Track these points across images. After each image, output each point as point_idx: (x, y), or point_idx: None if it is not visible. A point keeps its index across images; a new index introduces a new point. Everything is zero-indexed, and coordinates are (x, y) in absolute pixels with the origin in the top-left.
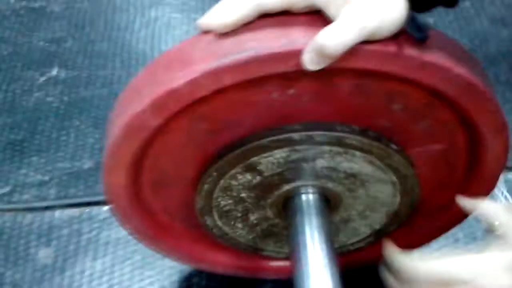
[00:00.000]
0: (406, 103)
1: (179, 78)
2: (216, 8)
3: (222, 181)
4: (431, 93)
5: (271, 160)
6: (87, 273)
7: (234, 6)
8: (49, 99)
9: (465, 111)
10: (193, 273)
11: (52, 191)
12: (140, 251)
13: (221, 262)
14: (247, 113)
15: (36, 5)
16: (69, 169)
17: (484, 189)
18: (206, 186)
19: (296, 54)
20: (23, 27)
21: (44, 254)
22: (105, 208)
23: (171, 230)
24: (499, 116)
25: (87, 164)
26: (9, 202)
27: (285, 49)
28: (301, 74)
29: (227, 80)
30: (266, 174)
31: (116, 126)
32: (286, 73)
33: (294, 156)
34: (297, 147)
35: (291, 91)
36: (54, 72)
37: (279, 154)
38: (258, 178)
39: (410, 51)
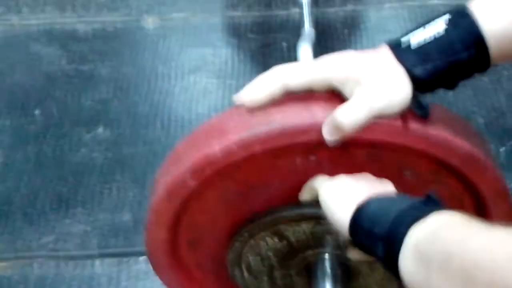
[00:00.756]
0: (415, 170)
1: (215, 145)
2: (248, 86)
3: (252, 241)
4: (436, 162)
5: (297, 229)
6: None
7: (264, 85)
8: (94, 155)
9: (468, 178)
10: None
11: (94, 241)
12: None
13: None
14: (274, 177)
15: (85, 68)
16: (110, 221)
17: None
18: (237, 244)
19: (316, 127)
20: (72, 88)
21: None
22: (142, 259)
23: (203, 283)
24: (500, 184)
25: (127, 216)
26: (53, 250)
27: (307, 122)
28: (321, 143)
29: (257, 148)
30: (292, 239)
31: (160, 186)
32: (308, 142)
33: (318, 228)
34: (322, 221)
35: (313, 158)
36: (100, 130)
37: (305, 225)
38: (284, 242)
39: (415, 126)
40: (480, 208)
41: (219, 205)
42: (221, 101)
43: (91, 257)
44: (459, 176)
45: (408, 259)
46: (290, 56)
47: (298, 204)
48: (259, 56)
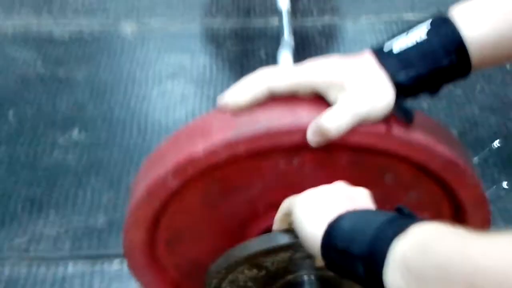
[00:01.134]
0: (396, 175)
1: (198, 145)
2: (232, 88)
3: (230, 276)
4: (417, 167)
5: (276, 259)
6: None
7: (248, 88)
8: (68, 157)
9: (447, 184)
10: None
11: (67, 243)
12: None
13: None
14: (257, 179)
15: (61, 71)
16: (83, 224)
17: None
18: (214, 281)
19: (300, 130)
20: (47, 91)
21: None
22: (116, 261)
23: (180, 285)
24: (478, 191)
25: (101, 220)
26: (26, 251)
27: (292, 124)
28: (304, 147)
29: (241, 149)
30: (271, 269)
31: (139, 187)
32: (291, 145)
33: (298, 255)
34: (300, 248)
35: (295, 161)
36: (75, 133)
37: (283, 254)
38: (263, 272)
39: (398, 131)
40: (458, 214)
41: (200, 206)
42: (198, 107)
43: (63, 258)
44: (439, 181)
45: (395, 275)
46: (269, 64)
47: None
48: (237, 64)
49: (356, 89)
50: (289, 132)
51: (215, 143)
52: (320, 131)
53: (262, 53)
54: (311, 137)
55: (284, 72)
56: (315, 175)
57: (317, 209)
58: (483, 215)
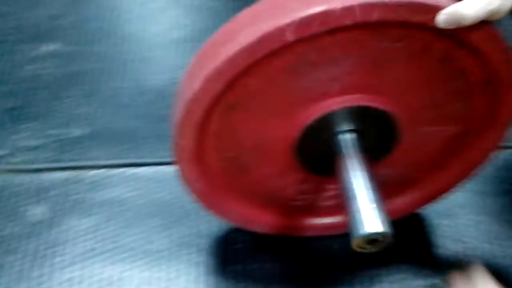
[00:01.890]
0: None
1: (334, 2)
2: None
3: None
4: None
5: None
6: (73, 230)
7: None
8: (45, 70)
9: None
10: (174, 230)
11: (45, 155)
12: (125, 212)
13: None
14: (354, 53)
15: None
16: (61, 136)
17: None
18: None
19: (433, 9)
20: (22, 3)
21: (33, 212)
22: (92, 172)
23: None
24: None
25: (79, 132)
26: (4, 163)
27: (431, 2)
28: (422, 29)
29: (373, 16)
30: None
31: (197, 78)
32: (415, 24)
33: None
34: None
35: (399, 45)
36: (51, 46)
37: None
38: None
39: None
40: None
41: (281, 75)
42: (176, 19)
43: (40, 170)
44: None
45: None
46: None
47: None
48: None
49: None
50: (426, 9)
51: (352, 3)
52: (457, 17)
53: None
54: (443, 22)
55: None
56: (405, 65)
57: None
58: None
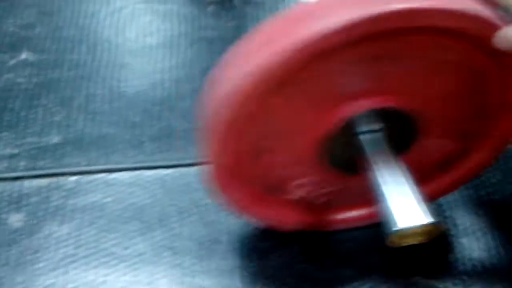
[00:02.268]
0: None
1: (381, 4)
2: None
3: None
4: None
5: None
6: (54, 235)
7: None
8: (18, 80)
9: None
10: (155, 233)
11: (22, 163)
12: (105, 216)
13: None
14: (409, 54)
15: None
16: (37, 144)
17: None
18: None
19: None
20: None
21: (14, 219)
22: (71, 178)
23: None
24: None
25: (54, 139)
26: None
27: (480, 13)
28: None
29: (424, 22)
30: None
31: (242, 73)
32: (478, 38)
33: None
34: None
35: (450, 55)
36: (23, 55)
37: None
38: None
39: None
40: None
41: (343, 67)
42: (149, 26)
43: (20, 178)
44: None
45: None
46: None
47: None
48: None
49: None
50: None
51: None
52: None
53: None
54: (500, 41)
55: None
56: (447, 75)
57: None
58: None
